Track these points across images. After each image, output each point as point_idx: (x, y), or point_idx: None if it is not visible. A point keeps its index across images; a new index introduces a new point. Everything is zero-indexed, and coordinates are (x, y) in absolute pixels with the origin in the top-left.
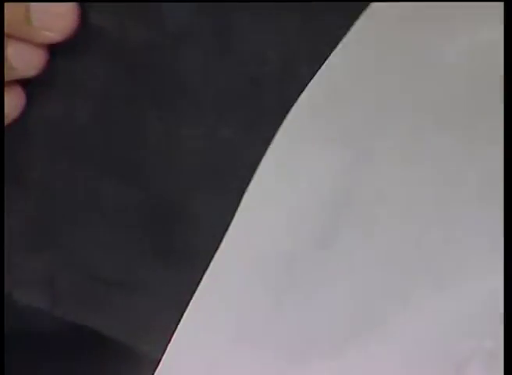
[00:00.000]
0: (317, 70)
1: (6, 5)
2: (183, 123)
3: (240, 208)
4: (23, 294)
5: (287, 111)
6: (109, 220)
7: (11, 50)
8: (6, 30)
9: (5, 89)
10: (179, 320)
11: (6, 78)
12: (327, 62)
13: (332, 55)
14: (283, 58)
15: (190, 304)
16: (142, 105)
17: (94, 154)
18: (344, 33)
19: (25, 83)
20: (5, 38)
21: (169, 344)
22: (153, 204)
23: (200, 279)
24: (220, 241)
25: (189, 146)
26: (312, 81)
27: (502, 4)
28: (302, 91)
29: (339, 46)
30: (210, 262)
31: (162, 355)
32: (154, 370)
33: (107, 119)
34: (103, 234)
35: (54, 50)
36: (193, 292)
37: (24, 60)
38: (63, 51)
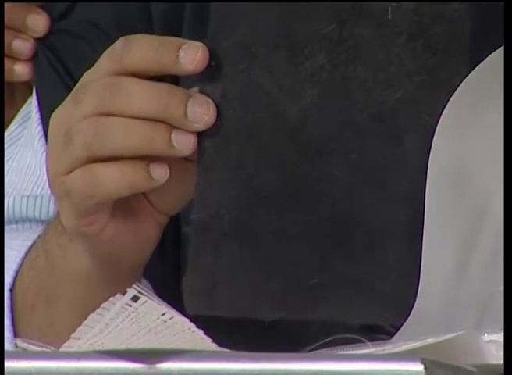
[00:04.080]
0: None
1: (169, 101)
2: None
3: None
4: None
5: None
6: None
7: (173, 135)
8: (168, 120)
9: (162, 164)
10: None
11: (164, 154)
12: None
13: None
14: None
15: None
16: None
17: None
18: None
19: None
20: (167, 125)
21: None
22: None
23: None
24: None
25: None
26: None
27: None
28: None
29: None
30: None
31: None
32: None
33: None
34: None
35: None
36: None
37: (183, 142)
38: None
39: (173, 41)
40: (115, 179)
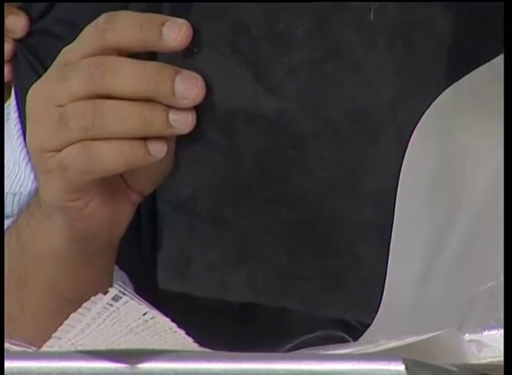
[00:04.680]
0: None
1: (157, 78)
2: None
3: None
4: None
5: None
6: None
7: (171, 114)
8: (157, 97)
9: (160, 140)
10: None
11: (164, 134)
12: None
13: None
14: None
15: None
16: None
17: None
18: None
19: None
20: (163, 105)
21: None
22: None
23: None
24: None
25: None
26: None
27: None
28: None
29: None
30: None
31: None
32: None
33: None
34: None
35: None
36: None
37: (181, 121)
38: None
39: (157, 17)
40: (114, 155)
